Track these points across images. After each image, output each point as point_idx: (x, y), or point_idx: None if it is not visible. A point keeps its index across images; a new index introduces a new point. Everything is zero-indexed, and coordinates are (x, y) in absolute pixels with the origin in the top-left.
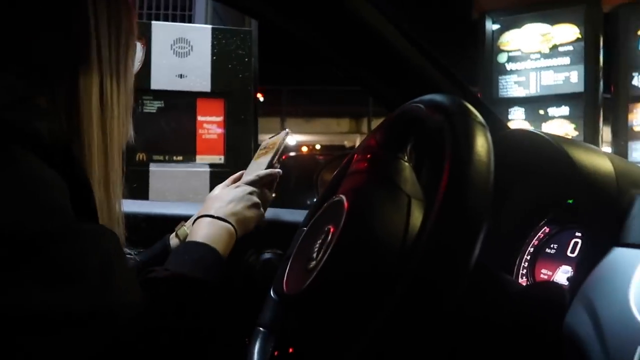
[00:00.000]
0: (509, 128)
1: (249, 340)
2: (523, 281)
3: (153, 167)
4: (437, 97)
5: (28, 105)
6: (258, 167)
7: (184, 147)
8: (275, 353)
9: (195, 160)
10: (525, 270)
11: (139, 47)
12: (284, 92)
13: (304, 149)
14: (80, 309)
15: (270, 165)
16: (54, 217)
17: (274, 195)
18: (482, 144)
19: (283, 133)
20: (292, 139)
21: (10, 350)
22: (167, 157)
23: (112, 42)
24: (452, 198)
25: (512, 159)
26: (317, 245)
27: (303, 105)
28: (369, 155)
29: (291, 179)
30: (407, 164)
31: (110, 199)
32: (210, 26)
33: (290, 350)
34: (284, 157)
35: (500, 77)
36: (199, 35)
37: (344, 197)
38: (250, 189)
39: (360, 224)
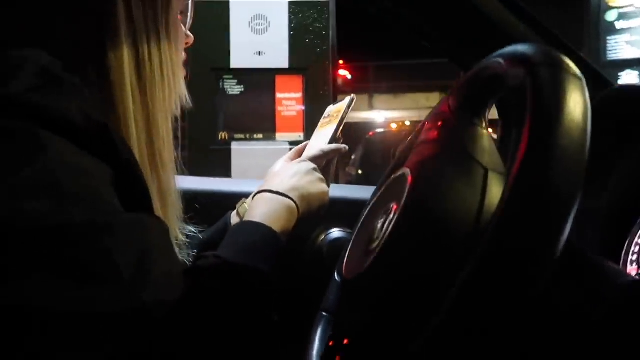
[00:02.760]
0: None
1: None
2: (633, 269)
3: (235, 146)
4: (519, 47)
5: (59, 85)
6: (321, 139)
7: (264, 125)
8: (330, 343)
9: (275, 138)
10: (635, 256)
11: (189, 1)
12: (371, 68)
13: (393, 125)
14: (111, 309)
15: (334, 137)
16: (85, 209)
17: (360, 172)
18: (576, 99)
19: (348, 99)
20: (380, 116)
21: (33, 351)
22: (248, 136)
23: None
24: (532, 167)
25: (621, 121)
26: (380, 224)
27: (391, 80)
28: (439, 123)
29: (377, 156)
30: (484, 131)
31: (158, 170)
32: (287, 0)
33: (345, 341)
34: (370, 133)
35: (608, 38)
36: (276, 10)
37: (408, 171)
38: (313, 164)
39: (424, 201)
